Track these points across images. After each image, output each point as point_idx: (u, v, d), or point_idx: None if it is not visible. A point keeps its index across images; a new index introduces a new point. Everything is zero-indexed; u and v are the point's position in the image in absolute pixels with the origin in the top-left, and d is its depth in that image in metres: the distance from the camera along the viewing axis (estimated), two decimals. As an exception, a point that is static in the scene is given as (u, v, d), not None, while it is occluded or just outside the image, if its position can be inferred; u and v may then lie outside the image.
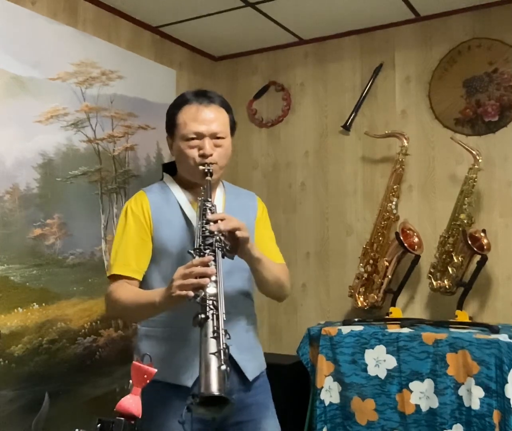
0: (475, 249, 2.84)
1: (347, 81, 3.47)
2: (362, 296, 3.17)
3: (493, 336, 2.53)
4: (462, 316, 2.88)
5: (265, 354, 1.92)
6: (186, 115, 1.76)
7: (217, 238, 1.54)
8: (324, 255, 3.49)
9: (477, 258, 2.88)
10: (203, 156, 1.73)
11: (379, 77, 3.37)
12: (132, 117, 3.10)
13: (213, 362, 1.30)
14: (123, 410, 1.23)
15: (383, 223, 3.15)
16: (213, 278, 1.45)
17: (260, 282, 1.78)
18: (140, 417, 1.24)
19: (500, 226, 3.05)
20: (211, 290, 1.43)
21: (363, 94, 3.39)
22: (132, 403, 1.24)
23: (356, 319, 3.00)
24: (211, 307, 1.40)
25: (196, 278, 1.46)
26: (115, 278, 1.75)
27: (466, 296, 2.92)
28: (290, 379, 3.13)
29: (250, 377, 1.78)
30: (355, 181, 3.43)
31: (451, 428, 2.52)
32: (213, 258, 1.50)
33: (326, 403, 2.79)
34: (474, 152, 2.95)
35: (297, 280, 3.50)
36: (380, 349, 2.72)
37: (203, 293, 1.42)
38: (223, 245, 1.55)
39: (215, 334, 1.34)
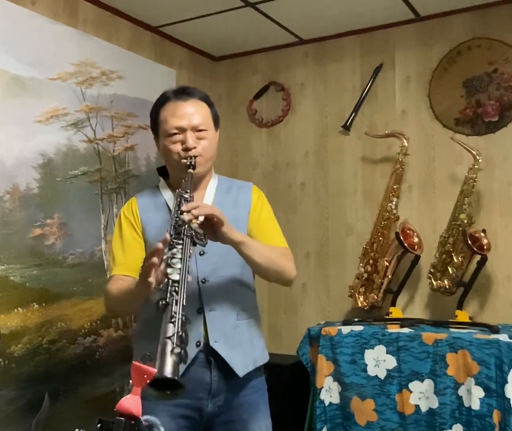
0: (475, 249, 2.84)
1: (347, 81, 3.47)
2: (362, 296, 3.16)
3: (493, 336, 2.54)
4: (462, 316, 2.89)
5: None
6: (167, 112, 1.79)
7: (186, 226, 1.54)
8: (324, 255, 3.49)
9: (477, 258, 2.88)
10: (186, 149, 1.76)
11: (379, 77, 3.37)
12: (132, 117, 3.10)
13: (168, 346, 1.30)
14: (123, 410, 1.23)
15: (383, 223, 3.15)
16: (178, 265, 1.46)
17: (251, 266, 1.77)
18: (140, 417, 1.24)
19: (500, 226, 3.05)
20: (174, 276, 1.45)
21: (363, 94, 3.39)
22: (132, 403, 1.24)
23: (356, 319, 3.00)
24: (173, 293, 1.41)
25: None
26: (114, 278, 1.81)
27: (466, 296, 2.93)
28: (290, 379, 3.13)
29: (240, 373, 1.76)
30: (355, 181, 3.43)
31: (451, 428, 2.52)
32: (164, 246, 1.50)
33: (326, 403, 2.79)
34: (474, 152, 2.95)
35: (297, 280, 3.45)
36: (380, 349, 2.72)
37: (166, 280, 1.44)
38: (193, 233, 1.55)
39: (173, 319, 1.35)
